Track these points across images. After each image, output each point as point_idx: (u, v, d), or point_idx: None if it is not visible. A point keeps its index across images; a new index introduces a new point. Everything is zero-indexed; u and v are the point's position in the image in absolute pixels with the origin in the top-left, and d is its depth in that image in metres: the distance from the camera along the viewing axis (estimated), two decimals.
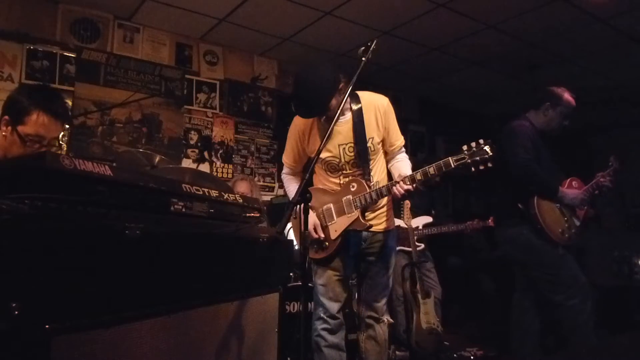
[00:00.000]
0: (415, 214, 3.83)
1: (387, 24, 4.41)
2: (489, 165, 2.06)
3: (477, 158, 2.05)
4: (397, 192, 2.17)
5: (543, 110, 2.99)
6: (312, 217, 2.32)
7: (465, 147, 2.09)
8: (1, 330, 0.96)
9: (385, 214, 2.44)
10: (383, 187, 2.24)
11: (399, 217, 3.58)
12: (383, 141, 2.43)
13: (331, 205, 2.35)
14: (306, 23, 4.39)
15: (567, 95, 2.98)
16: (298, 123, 2.48)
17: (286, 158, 2.59)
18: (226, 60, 4.95)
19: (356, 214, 2.28)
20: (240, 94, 5.02)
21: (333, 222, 2.34)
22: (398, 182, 2.17)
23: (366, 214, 2.36)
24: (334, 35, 4.52)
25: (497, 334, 3.75)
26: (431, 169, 2.10)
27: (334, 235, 2.32)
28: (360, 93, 2.40)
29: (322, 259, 2.38)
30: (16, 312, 0.96)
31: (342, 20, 4.30)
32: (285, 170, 2.63)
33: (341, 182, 2.38)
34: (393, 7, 4.07)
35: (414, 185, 2.15)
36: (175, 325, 1.36)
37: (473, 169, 2.06)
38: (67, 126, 3.93)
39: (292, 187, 2.57)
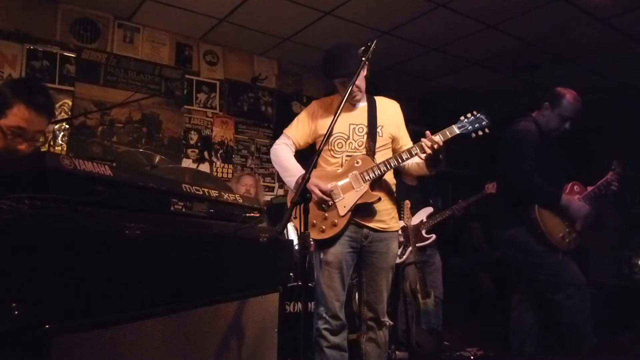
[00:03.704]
0: (414, 211, 3.83)
1: (387, 24, 4.41)
2: (487, 131, 2.31)
3: (477, 125, 2.30)
4: (425, 147, 2.21)
5: (543, 110, 2.96)
6: (314, 182, 2.25)
7: (462, 117, 2.33)
8: (1, 330, 0.96)
9: (389, 213, 2.44)
10: (391, 158, 2.31)
11: (400, 218, 3.58)
12: (394, 140, 2.49)
13: (337, 183, 2.34)
14: (306, 23, 4.40)
15: (568, 98, 2.87)
16: (318, 101, 2.57)
17: (290, 130, 2.51)
18: (226, 60, 4.95)
19: (365, 187, 2.30)
20: (240, 94, 5.02)
21: (341, 198, 2.32)
22: (408, 150, 2.29)
23: (370, 212, 2.36)
24: (334, 35, 4.52)
25: (497, 334, 3.75)
26: (437, 137, 2.23)
27: (342, 211, 2.30)
28: (375, 97, 2.56)
29: (329, 238, 2.31)
30: (16, 312, 0.96)
31: (342, 20, 4.30)
32: (283, 140, 2.51)
33: (343, 161, 2.40)
34: (393, 7, 4.07)
35: (440, 143, 2.22)
36: (175, 325, 1.36)
37: (474, 135, 2.30)
38: (66, 126, 3.93)
39: (286, 154, 2.45)
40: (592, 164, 5.90)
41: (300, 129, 2.51)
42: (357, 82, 2.28)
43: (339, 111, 1.86)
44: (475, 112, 2.32)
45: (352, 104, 2.45)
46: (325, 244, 2.35)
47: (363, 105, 2.48)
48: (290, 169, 2.40)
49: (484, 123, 2.30)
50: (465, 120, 2.32)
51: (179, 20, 4.36)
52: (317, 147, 2.02)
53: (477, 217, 5.99)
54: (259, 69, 5.18)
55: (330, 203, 2.30)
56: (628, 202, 6.36)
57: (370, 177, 2.30)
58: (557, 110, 2.89)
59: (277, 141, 2.54)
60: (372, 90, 2.57)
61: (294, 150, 2.52)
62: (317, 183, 2.26)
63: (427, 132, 2.23)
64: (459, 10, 4.10)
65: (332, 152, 2.43)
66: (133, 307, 1.23)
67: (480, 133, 2.30)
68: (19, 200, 1.02)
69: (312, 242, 2.46)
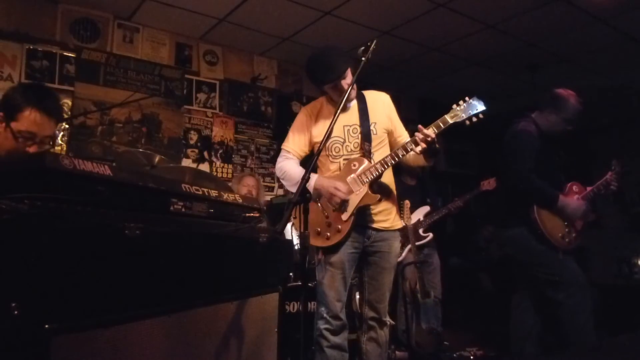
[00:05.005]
0: (413, 211, 3.84)
1: (387, 24, 4.41)
2: (481, 116, 2.26)
3: (469, 111, 2.26)
4: (419, 139, 2.20)
5: (546, 114, 2.94)
6: (326, 182, 2.28)
7: (455, 106, 2.29)
8: (1, 330, 0.96)
9: (390, 212, 2.44)
10: (387, 157, 2.30)
11: (400, 218, 3.58)
12: (390, 133, 2.49)
13: None
14: (306, 23, 4.40)
15: (572, 101, 2.89)
16: (307, 108, 2.56)
17: (287, 144, 2.51)
18: (226, 60, 4.95)
19: (364, 189, 2.30)
20: (240, 94, 5.02)
21: None
22: (406, 145, 2.27)
23: (371, 212, 2.36)
24: (334, 35, 4.52)
25: (497, 334, 3.75)
26: (430, 130, 2.21)
27: (345, 216, 2.31)
28: (364, 92, 2.53)
29: (335, 244, 2.32)
30: (16, 312, 0.96)
31: (342, 20, 4.30)
32: (285, 155, 2.50)
33: (341, 165, 2.40)
34: (393, 7, 4.07)
35: (433, 135, 2.20)
36: (175, 325, 1.36)
37: (468, 122, 2.27)
38: (66, 126, 3.93)
39: (291, 166, 2.45)
40: (592, 164, 5.90)
41: (297, 141, 2.50)
42: (349, 82, 2.22)
43: (336, 116, 1.88)
44: (467, 98, 2.28)
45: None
46: (330, 250, 2.36)
47: (353, 104, 2.46)
48: (298, 177, 2.38)
49: (477, 108, 2.26)
50: (458, 108, 2.28)
51: (179, 20, 4.36)
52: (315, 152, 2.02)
53: (478, 217, 5.98)
54: (259, 69, 5.18)
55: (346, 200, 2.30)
56: (628, 202, 6.36)
57: (368, 178, 2.30)
58: (562, 114, 2.89)
59: (279, 158, 2.53)
60: (362, 86, 2.53)
61: (297, 158, 2.52)
62: (337, 185, 2.26)
63: (420, 126, 2.21)
64: (459, 10, 4.10)
65: (330, 158, 2.44)
66: (133, 307, 1.23)
67: (474, 119, 2.26)
68: (19, 200, 1.02)
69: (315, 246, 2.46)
